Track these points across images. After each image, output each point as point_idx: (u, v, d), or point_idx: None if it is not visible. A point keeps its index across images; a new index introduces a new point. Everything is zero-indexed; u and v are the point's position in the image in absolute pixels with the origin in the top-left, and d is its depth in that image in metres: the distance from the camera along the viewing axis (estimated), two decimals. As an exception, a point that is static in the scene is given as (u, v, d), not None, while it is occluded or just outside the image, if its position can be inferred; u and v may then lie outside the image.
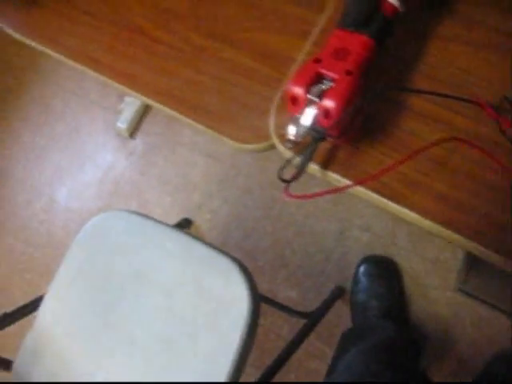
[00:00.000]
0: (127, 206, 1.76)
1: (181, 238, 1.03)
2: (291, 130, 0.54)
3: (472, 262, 1.26)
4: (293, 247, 1.54)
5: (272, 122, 0.65)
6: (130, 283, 1.03)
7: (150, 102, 0.77)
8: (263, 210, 1.59)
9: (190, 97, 0.73)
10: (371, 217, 1.48)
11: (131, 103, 1.81)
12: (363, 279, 1.39)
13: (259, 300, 0.94)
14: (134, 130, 1.85)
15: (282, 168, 0.57)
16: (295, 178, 0.58)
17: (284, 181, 0.57)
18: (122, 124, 1.81)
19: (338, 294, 1.42)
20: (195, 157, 1.73)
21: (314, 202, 1.55)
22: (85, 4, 0.88)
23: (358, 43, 0.55)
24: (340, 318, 1.44)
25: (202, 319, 0.96)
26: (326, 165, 0.61)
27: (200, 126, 0.72)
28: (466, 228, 0.55)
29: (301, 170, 0.58)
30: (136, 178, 1.80)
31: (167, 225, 1.07)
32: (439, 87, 0.60)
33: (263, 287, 1.52)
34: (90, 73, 0.83)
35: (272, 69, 0.70)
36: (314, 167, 0.61)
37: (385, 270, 1.40)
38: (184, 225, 1.62)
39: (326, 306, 1.34)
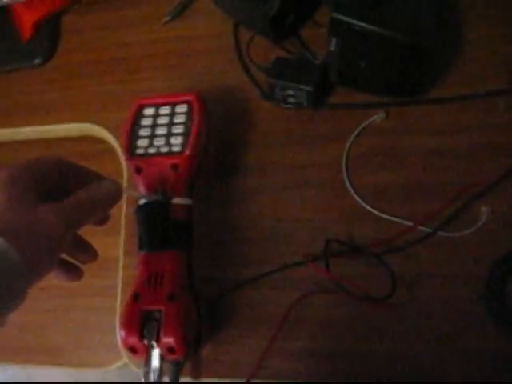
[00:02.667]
0: None
1: None
2: (144, 379, 0.49)
3: None
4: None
5: (118, 339, 0.59)
6: None
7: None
8: None
9: (31, 341, 0.67)
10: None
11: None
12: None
13: None
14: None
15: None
16: None
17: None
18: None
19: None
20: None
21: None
22: None
23: (165, 261, 0.52)
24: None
25: None
26: (200, 374, 0.57)
27: (54, 368, 0.66)
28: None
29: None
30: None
31: None
32: (268, 247, 0.58)
33: None
34: None
35: (105, 278, 0.65)
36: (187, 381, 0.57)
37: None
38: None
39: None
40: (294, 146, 0.61)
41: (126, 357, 0.60)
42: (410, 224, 0.55)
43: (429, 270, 0.54)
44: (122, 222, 0.64)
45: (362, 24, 0.53)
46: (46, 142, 0.74)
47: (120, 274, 0.63)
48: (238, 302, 0.57)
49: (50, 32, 0.79)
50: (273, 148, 0.62)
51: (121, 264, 0.63)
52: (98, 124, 0.69)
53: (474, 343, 0.50)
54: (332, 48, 0.56)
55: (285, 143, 0.62)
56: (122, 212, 0.64)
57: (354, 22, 0.53)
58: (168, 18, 0.72)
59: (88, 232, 0.66)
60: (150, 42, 0.73)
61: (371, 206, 0.57)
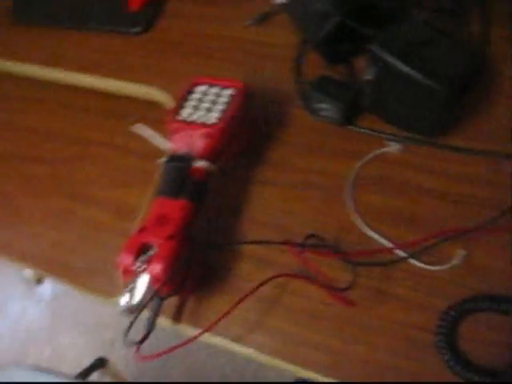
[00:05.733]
0: (41, 352, 1.73)
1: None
2: (124, 300, 0.58)
3: None
4: (207, 370, 1.54)
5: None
6: None
7: (21, 266, 0.80)
8: (174, 340, 1.60)
9: (57, 257, 0.77)
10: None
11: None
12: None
13: None
14: (40, 276, 1.85)
15: (127, 331, 0.60)
16: (144, 339, 0.60)
17: (132, 343, 0.59)
18: (28, 271, 1.81)
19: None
20: (104, 294, 1.73)
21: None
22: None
23: (175, 209, 0.61)
24: None
25: None
26: (174, 318, 0.65)
27: (69, 285, 0.75)
28: (304, 360, 0.59)
29: (149, 330, 0.60)
30: (47, 323, 1.78)
31: (66, 376, 1.07)
32: (262, 229, 0.66)
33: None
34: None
35: (128, 221, 0.73)
36: (163, 322, 0.65)
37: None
38: (99, 364, 1.60)
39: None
40: (313, 152, 0.70)
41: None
42: (391, 245, 0.62)
43: (393, 291, 0.59)
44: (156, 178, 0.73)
45: (395, 62, 0.61)
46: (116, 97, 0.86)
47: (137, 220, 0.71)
48: (226, 269, 0.66)
49: (153, 11, 0.92)
50: (294, 149, 0.71)
51: (141, 215, 0.72)
52: (167, 92, 0.80)
53: (413, 367, 0.56)
54: (368, 77, 0.64)
55: (306, 148, 0.70)
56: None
57: (388, 59, 0.61)
58: (249, 22, 0.83)
59: (125, 180, 0.78)
60: (229, 38, 0.84)
61: (362, 222, 0.64)
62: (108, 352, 1.66)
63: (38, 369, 1.09)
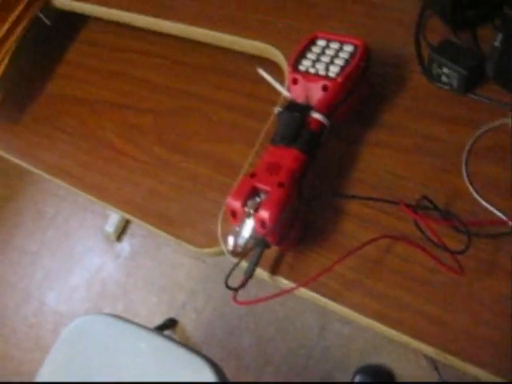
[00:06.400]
0: (114, 307, 1.79)
1: (155, 340, 1.06)
2: (230, 241, 0.59)
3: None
4: (276, 343, 1.55)
5: (219, 228, 0.69)
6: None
7: (116, 211, 0.83)
8: (246, 308, 1.61)
9: (153, 205, 0.79)
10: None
11: (118, 207, 1.89)
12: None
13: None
14: (120, 234, 1.91)
15: (228, 275, 0.60)
16: (243, 285, 0.61)
17: (231, 288, 0.60)
18: (110, 228, 1.88)
19: (322, 389, 1.41)
20: (180, 257, 1.78)
21: (295, 298, 1.57)
22: (62, 123, 0.96)
23: (288, 157, 0.61)
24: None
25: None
26: (272, 269, 0.65)
27: (161, 233, 0.77)
28: (404, 325, 0.57)
29: (248, 276, 0.61)
30: (122, 280, 1.84)
31: (144, 327, 1.10)
32: (369, 190, 0.65)
33: (248, 385, 1.52)
34: (64, 185, 0.89)
35: (226, 176, 0.76)
36: (261, 272, 0.65)
37: (381, 380, 1.39)
38: (169, 325, 1.63)
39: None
40: (428, 118, 0.68)
41: (222, 246, 0.69)
42: (504, 218, 0.59)
43: (503, 264, 0.57)
44: (261, 136, 0.74)
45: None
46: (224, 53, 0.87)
47: (238, 178, 0.72)
48: (328, 225, 0.65)
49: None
50: (409, 114, 0.69)
51: (242, 171, 0.72)
52: (280, 50, 0.79)
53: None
54: (496, 43, 0.62)
55: (421, 113, 0.68)
56: (264, 129, 0.74)
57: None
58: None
59: (227, 136, 0.79)
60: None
61: (475, 191, 0.62)
62: (179, 314, 1.70)
63: (119, 318, 1.13)
